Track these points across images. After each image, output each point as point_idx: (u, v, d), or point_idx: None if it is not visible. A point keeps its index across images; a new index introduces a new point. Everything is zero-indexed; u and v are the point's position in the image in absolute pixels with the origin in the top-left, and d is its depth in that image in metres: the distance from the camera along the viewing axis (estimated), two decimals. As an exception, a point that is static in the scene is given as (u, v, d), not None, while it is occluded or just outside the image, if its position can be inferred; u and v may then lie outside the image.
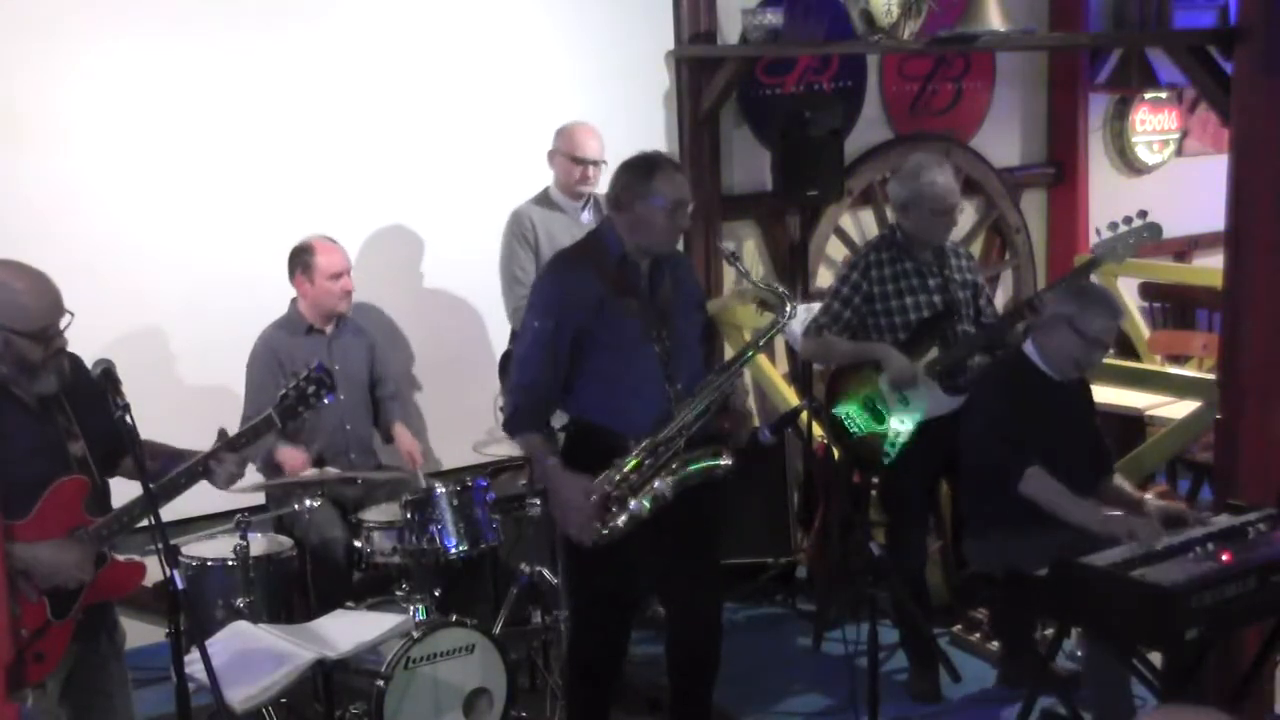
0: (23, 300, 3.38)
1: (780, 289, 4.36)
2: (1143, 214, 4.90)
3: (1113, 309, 4.42)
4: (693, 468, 4.07)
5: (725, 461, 4.11)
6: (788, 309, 4.24)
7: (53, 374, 3.44)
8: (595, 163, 5.42)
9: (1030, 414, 4.36)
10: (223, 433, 3.66)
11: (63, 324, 3.45)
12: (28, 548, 3.38)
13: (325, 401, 3.77)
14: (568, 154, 5.45)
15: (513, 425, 4.14)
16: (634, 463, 3.99)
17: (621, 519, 4.01)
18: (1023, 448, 4.31)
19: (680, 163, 4.20)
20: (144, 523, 3.47)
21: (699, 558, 4.26)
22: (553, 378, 4.06)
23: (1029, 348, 4.48)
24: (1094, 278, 5.13)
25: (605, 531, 4.00)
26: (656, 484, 4.03)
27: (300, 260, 5.13)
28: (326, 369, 3.75)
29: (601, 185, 5.51)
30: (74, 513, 3.47)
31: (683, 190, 4.06)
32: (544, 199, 5.52)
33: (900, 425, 4.85)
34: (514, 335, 5.55)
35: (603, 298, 4.03)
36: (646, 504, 4.01)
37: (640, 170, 4.07)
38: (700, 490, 4.13)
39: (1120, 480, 4.62)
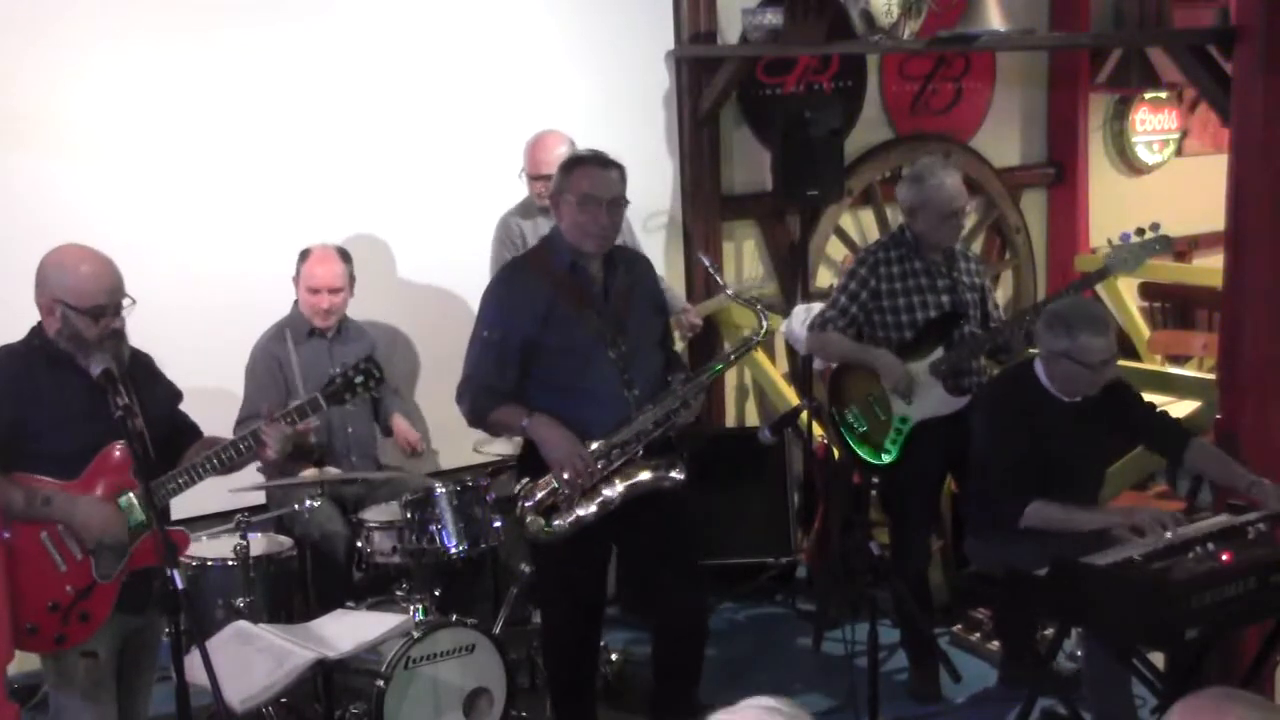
0: (78, 278, 3.61)
1: (757, 305, 4.33)
2: (1155, 226, 4.87)
3: (1101, 326, 4.31)
4: (644, 476, 4.06)
5: (677, 475, 4.11)
6: (764, 324, 4.24)
7: (107, 353, 3.60)
8: (549, 178, 5.38)
9: (1032, 435, 4.31)
10: (270, 409, 3.85)
11: (125, 306, 3.65)
12: (69, 499, 3.56)
13: (371, 393, 3.96)
14: (528, 172, 5.41)
15: (477, 414, 4.14)
16: (597, 457, 4.01)
17: (568, 520, 4.02)
18: (1022, 482, 4.26)
19: (614, 159, 4.17)
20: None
21: (676, 561, 4.25)
22: (502, 384, 4.07)
23: (1039, 367, 4.43)
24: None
25: (549, 530, 4.02)
26: (605, 490, 4.03)
27: (298, 263, 5.15)
28: (378, 363, 3.87)
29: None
30: (121, 476, 3.62)
31: (596, 184, 3.99)
32: (530, 205, 5.47)
33: (887, 456, 4.88)
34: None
35: (551, 305, 4.02)
36: (594, 508, 4.02)
37: (562, 167, 4.10)
38: (668, 500, 4.13)
39: (1206, 443, 4.51)
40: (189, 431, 3.92)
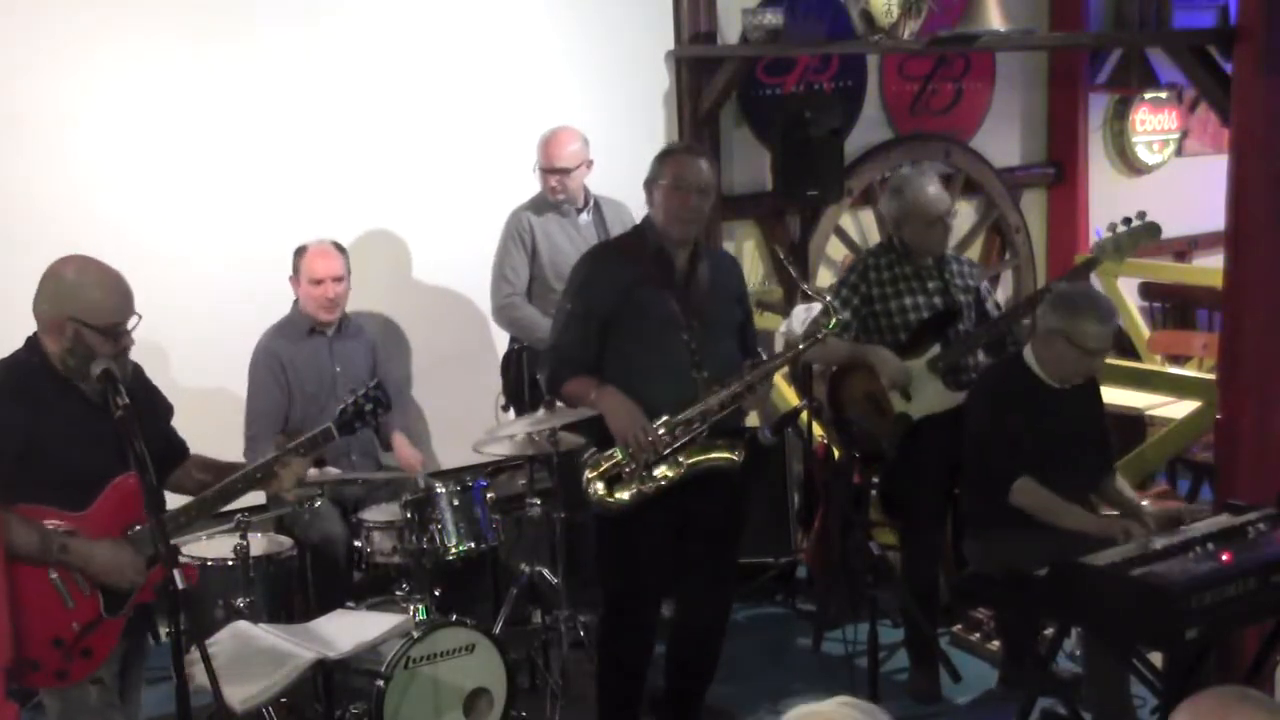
0: (95, 294, 3.47)
1: (827, 298, 4.40)
2: (1141, 215, 4.90)
3: (1104, 313, 4.36)
4: (705, 456, 4.14)
5: (735, 456, 4.19)
6: (832, 318, 4.32)
7: (113, 361, 3.48)
8: (565, 171, 5.40)
9: (1026, 421, 4.34)
10: (281, 442, 3.79)
11: (130, 324, 3.52)
12: (86, 544, 3.45)
13: (380, 420, 3.95)
14: (541, 168, 5.45)
15: (553, 383, 4.28)
16: (661, 432, 4.08)
17: (629, 492, 4.09)
18: (1013, 460, 4.30)
19: (703, 151, 4.56)
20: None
21: (718, 559, 4.34)
22: (583, 356, 4.18)
23: (1028, 354, 4.46)
24: (1094, 277, 5.12)
25: (610, 501, 4.10)
26: (668, 468, 4.11)
27: (295, 261, 5.16)
28: (384, 389, 3.86)
29: (597, 186, 5.53)
30: (132, 509, 3.51)
31: (687, 171, 4.17)
32: (542, 202, 5.51)
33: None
34: (513, 336, 5.57)
35: (634, 285, 4.16)
36: (651, 484, 4.09)
37: (657, 157, 4.29)
38: (728, 491, 4.23)
39: (1121, 483, 4.61)
40: (178, 448, 3.83)
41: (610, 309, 4.16)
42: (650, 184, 4.24)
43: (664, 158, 4.27)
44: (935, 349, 4.87)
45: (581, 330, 4.19)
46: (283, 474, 3.70)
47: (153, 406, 3.72)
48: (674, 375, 4.14)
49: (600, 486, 4.11)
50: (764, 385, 4.27)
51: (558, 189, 5.43)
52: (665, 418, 4.09)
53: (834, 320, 4.32)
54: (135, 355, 3.74)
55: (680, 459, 4.12)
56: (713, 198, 4.29)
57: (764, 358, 4.38)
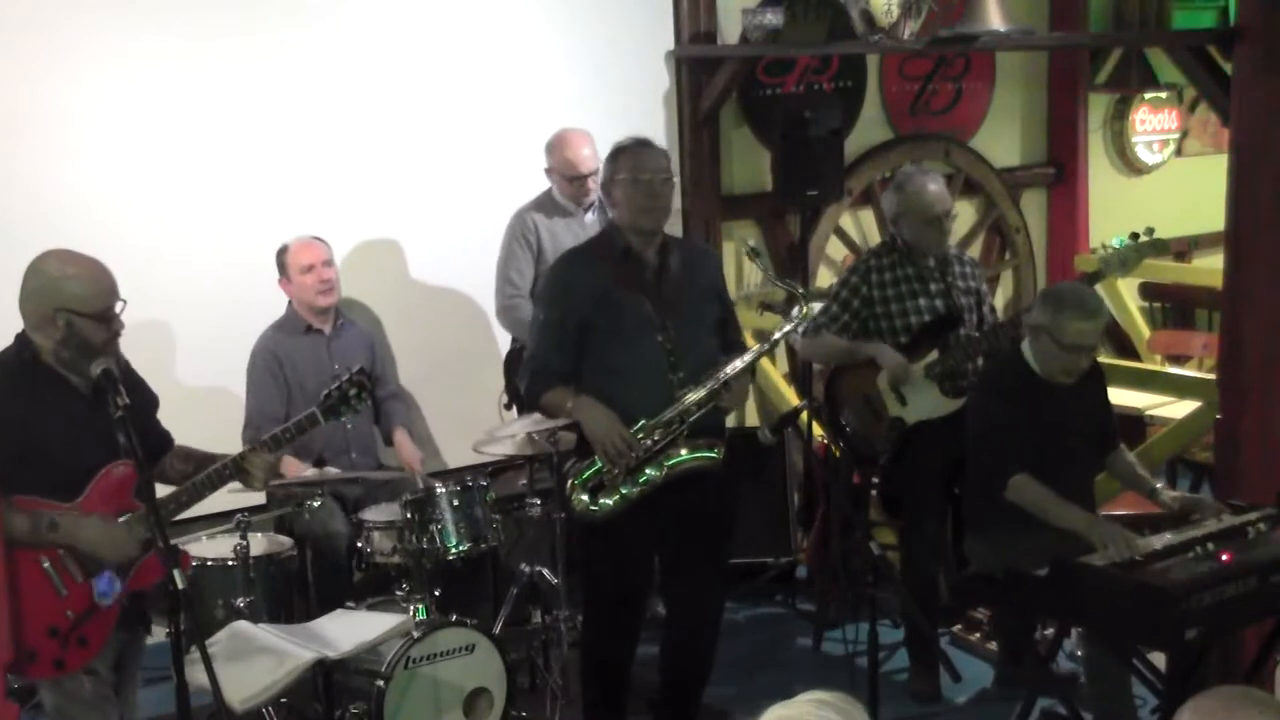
0: (81, 284, 3.50)
1: (797, 288, 4.40)
2: (1150, 231, 4.89)
3: (1086, 310, 4.32)
4: (685, 457, 4.13)
5: (716, 455, 4.18)
6: (801, 309, 4.28)
7: (111, 358, 3.53)
8: (593, 174, 5.41)
9: (1024, 416, 4.34)
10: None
11: (118, 308, 3.54)
12: (74, 520, 3.46)
13: (365, 405, 3.94)
14: (562, 174, 5.44)
15: (531, 396, 4.25)
16: (640, 436, 4.07)
17: (612, 499, 4.09)
18: (1010, 455, 4.29)
19: (666, 148, 4.46)
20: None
21: (706, 558, 4.32)
22: (561, 364, 4.16)
23: (1026, 349, 4.47)
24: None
25: (593, 509, 4.10)
26: (649, 470, 4.10)
27: (279, 262, 5.18)
28: (368, 373, 3.86)
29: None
30: (123, 498, 3.54)
31: (646, 163, 4.14)
32: (547, 202, 5.50)
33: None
34: (514, 336, 5.56)
35: (607, 290, 4.12)
36: (634, 489, 4.08)
37: (610, 155, 4.24)
38: (714, 490, 4.21)
39: (1131, 458, 4.58)
40: (164, 440, 3.84)
41: (584, 315, 4.12)
42: (608, 184, 4.21)
43: (616, 155, 4.22)
44: (933, 355, 4.87)
45: (557, 338, 4.16)
46: (254, 464, 3.69)
47: (142, 400, 3.72)
48: (649, 379, 4.11)
49: (583, 495, 4.11)
50: (740, 381, 4.22)
51: (588, 191, 5.41)
52: (642, 422, 4.07)
53: (805, 310, 4.31)
54: (136, 354, 3.75)
55: (662, 461, 4.10)
56: (674, 185, 4.24)
57: (746, 351, 4.37)
